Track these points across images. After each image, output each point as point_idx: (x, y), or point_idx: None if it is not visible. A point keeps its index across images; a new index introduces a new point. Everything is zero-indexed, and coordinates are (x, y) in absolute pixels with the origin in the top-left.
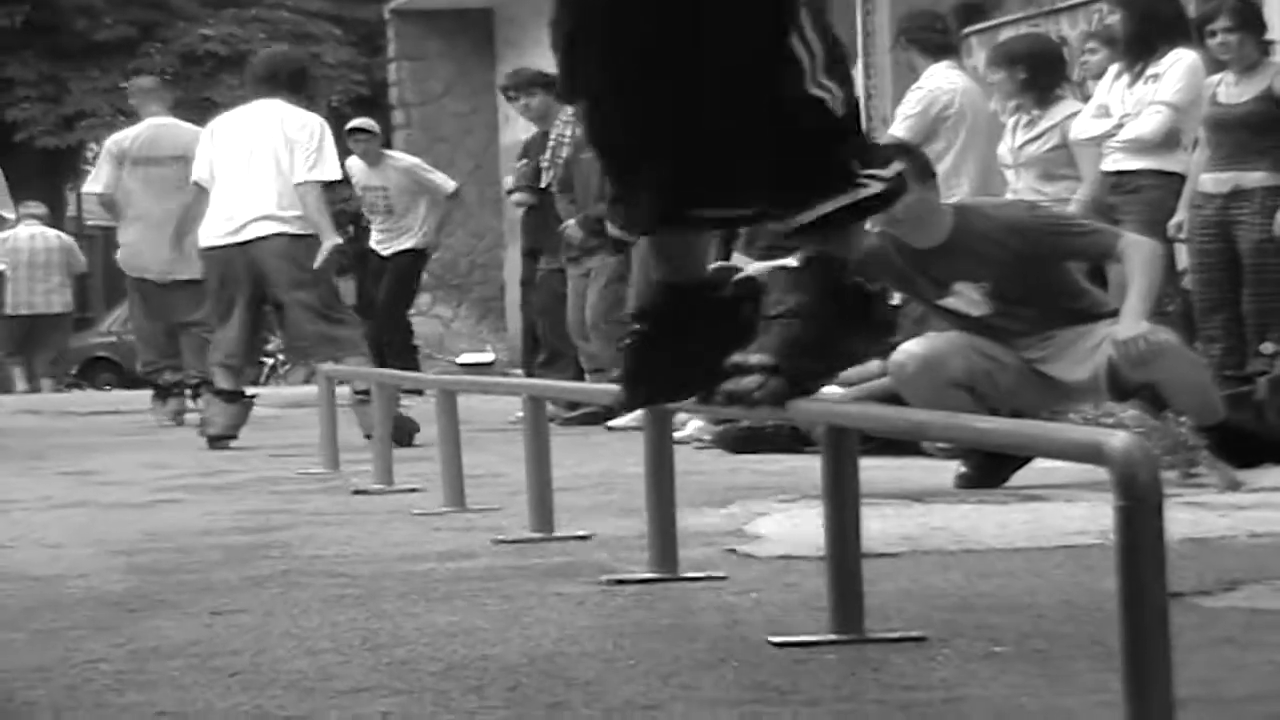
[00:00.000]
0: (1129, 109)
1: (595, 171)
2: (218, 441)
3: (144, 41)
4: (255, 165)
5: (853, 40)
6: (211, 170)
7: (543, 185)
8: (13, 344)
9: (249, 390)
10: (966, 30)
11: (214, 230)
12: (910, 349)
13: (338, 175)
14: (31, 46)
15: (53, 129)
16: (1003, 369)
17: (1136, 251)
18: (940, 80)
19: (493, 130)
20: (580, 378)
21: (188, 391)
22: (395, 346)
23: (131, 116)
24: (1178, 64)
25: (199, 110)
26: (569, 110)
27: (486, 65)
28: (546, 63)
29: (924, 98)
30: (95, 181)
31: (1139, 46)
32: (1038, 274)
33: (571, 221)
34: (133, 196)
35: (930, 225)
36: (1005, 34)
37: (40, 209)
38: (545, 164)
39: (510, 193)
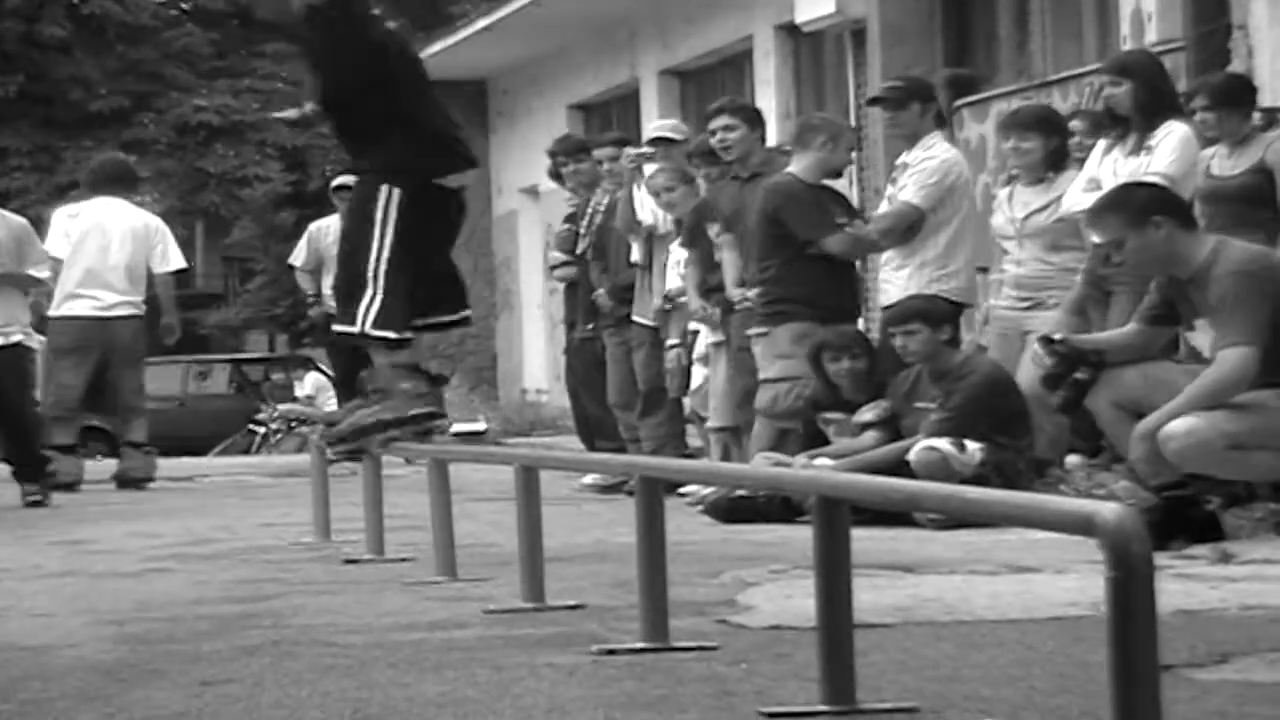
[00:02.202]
0: (1123, 180)
1: (624, 241)
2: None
3: (137, 112)
4: (114, 254)
5: (845, 111)
6: (73, 251)
7: (578, 252)
8: None
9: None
10: (958, 103)
11: (79, 304)
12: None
13: (184, 265)
14: (26, 117)
15: (46, 199)
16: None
17: (1222, 361)
18: (945, 151)
19: (485, 201)
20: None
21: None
22: None
23: None
24: (1170, 136)
25: (193, 179)
26: (608, 180)
27: (480, 136)
28: (537, 133)
29: (940, 166)
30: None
31: (1146, 117)
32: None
33: (601, 290)
34: None
35: (1179, 262)
36: (997, 106)
37: None
38: (582, 231)
39: (554, 268)
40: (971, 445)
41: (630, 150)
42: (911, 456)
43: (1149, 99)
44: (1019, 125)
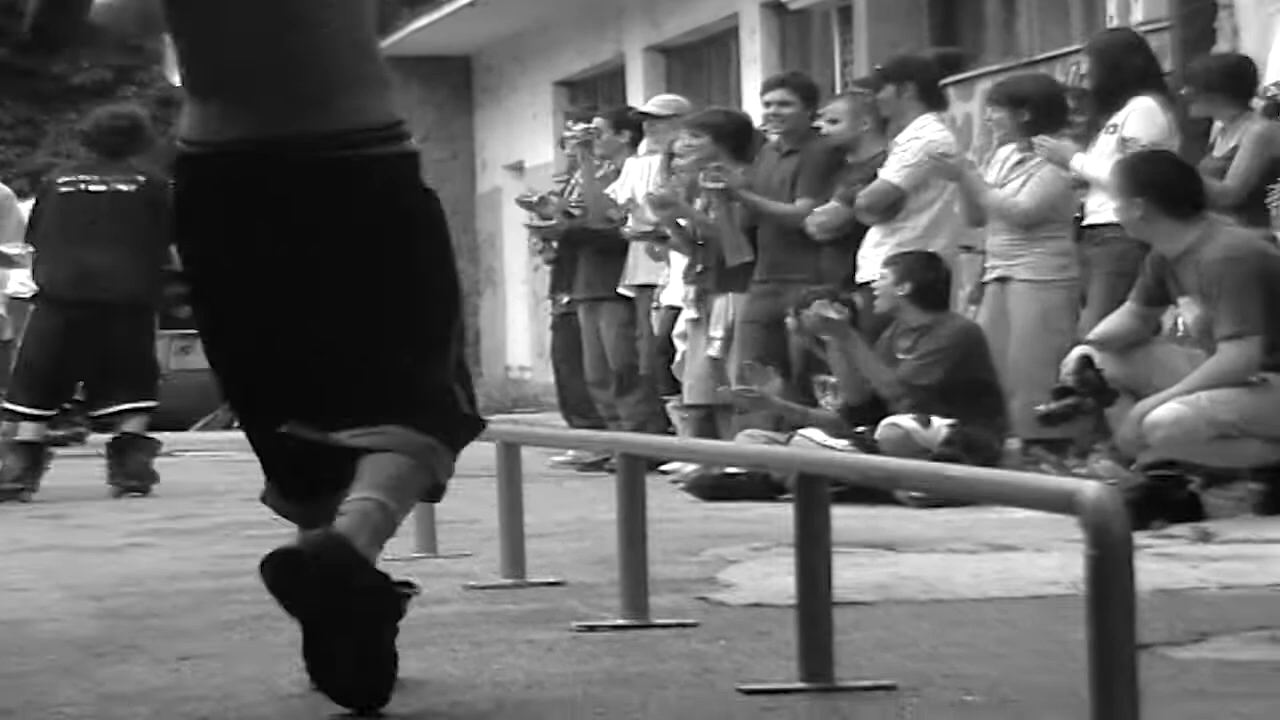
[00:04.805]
0: (1089, 163)
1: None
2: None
3: (120, 85)
4: None
5: (831, 90)
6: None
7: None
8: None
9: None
10: (944, 81)
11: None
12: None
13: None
14: (8, 90)
15: (29, 171)
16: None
17: (1224, 352)
18: (932, 132)
19: (471, 176)
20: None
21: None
22: None
23: None
24: (1134, 113)
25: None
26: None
27: (464, 112)
28: (522, 109)
29: (923, 147)
30: None
31: (1105, 99)
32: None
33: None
34: None
35: (1160, 242)
36: (982, 85)
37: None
38: (573, 200)
39: (539, 252)
40: (937, 421)
41: (574, 126)
42: (877, 434)
43: (1106, 79)
44: (993, 96)
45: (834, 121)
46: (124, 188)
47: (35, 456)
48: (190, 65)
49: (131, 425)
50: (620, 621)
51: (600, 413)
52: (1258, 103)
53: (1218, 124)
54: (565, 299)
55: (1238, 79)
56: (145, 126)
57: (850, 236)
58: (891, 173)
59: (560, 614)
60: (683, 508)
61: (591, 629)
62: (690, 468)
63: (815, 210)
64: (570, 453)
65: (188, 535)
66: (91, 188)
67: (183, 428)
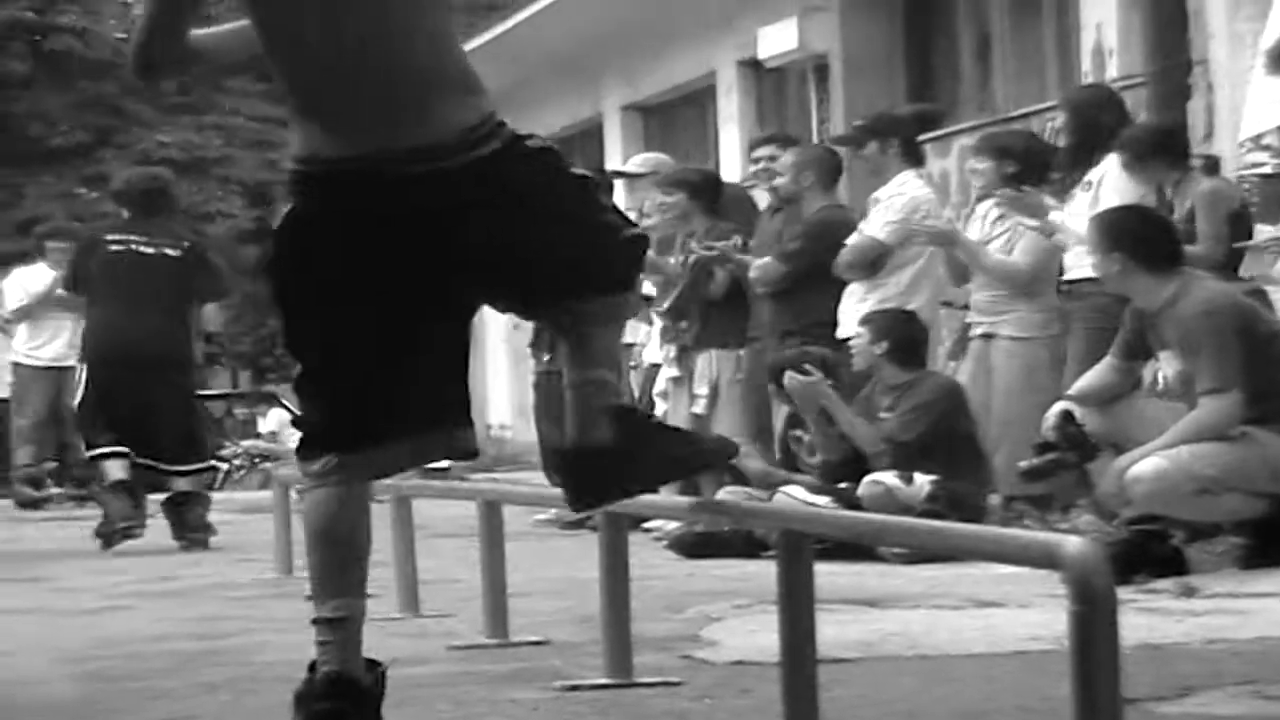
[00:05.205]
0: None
1: None
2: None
3: (99, 148)
4: None
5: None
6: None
7: None
8: None
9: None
10: (920, 138)
11: None
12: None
13: None
14: None
15: (6, 234)
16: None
17: (1204, 406)
18: (916, 189)
19: None
20: None
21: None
22: None
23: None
24: (1112, 171)
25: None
26: None
27: None
28: None
29: (908, 203)
30: None
31: (1080, 155)
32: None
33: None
34: None
35: (1138, 297)
36: (960, 141)
37: None
38: None
39: None
40: (920, 478)
41: None
42: (860, 490)
43: (1082, 135)
44: (979, 148)
45: (778, 175)
46: (171, 252)
47: (134, 493)
48: (289, 84)
49: (184, 484)
50: (604, 680)
51: None
52: (1196, 162)
53: (1167, 189)
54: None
55: (1170, 142)
56: (173, 187)
57: (790, 292)
58: (876, 228)
59: (544, 673)
60: (666, 565)
61: (575, 688)
62: (673, 525)
63: (754, 264)
64: (553, 511)
65: (168, 597)
66: (143, 249)
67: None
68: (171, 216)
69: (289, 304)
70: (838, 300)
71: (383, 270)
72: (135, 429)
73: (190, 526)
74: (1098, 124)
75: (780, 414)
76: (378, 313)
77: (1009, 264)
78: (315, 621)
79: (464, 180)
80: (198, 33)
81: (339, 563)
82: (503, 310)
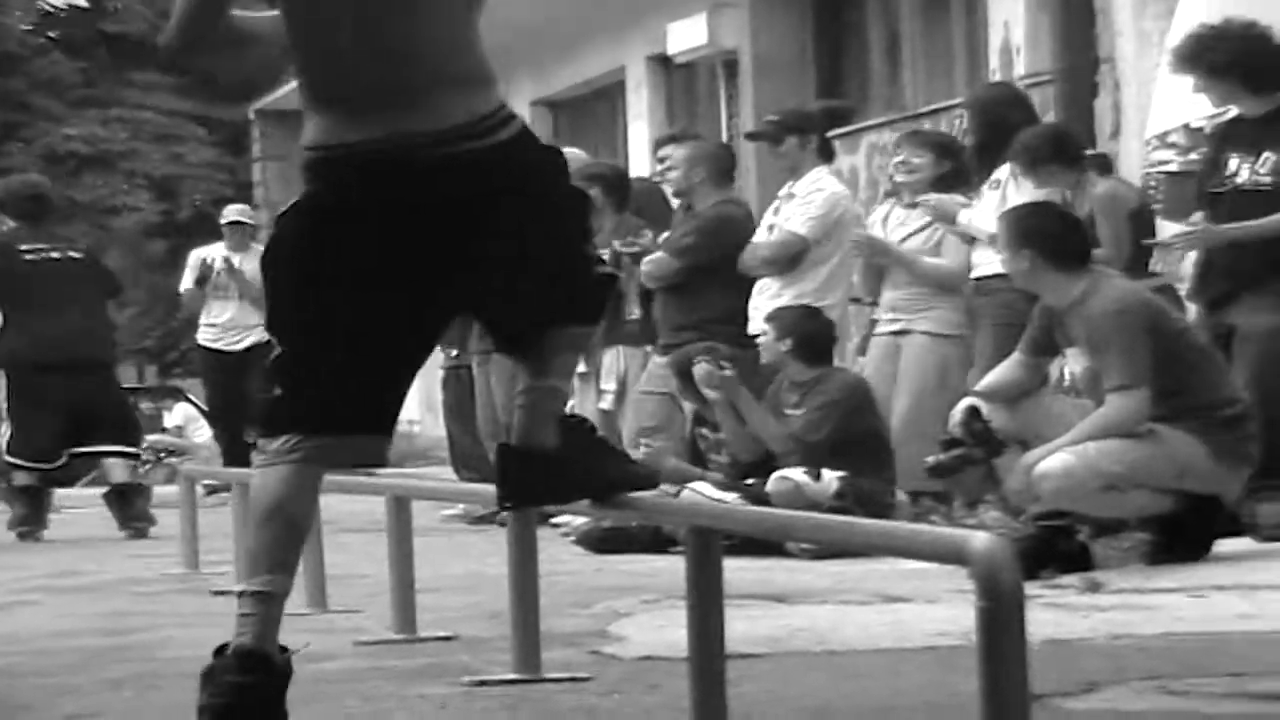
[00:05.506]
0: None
1: None
2: None
3: (5, 141)
4: None
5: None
6: None
7: None
8: None
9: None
10: (830, 134)
11: None
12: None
13: None
14: None
15: None
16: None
17: (1111, 403)
18: (833, 185)
19: None
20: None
21: None
22: None
23: None
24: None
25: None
26: None
27: None
28: None
29: (828, 199)
30: None
31: (983, 156)
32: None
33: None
34: None
35: (1047, 294)
36: (869, 138)
37: None
38: None
39: None
40: (828, 474)
41: None
42: (768, 487)
43: (987, 135)
44: (917, 141)
45: (670, 169)
46: (75, 254)
47: (37, 497)
48: (312, 69)
49: (119, 475)
50: (512, 676)
51: (491, 466)
52: (1090, 164)
53: (1066, 193)
54: (454, 353)
55: (1063, 146)
56: (50, 194)
57: (683, 287)
58: (798, 224)
59: (452, 669)
60: (574, 560)
61: (484, 684)
62: (580, 520)
63: (645, 260)
64: (461, 506)
65: (74, 592)
66: (52, 255)
67: (69, 483)
68: (52, 221)
69: (287, 285)
70: (732, 296)
71: (398, 262)
72: (75, 426)
73: (135, 516)
74: (1004, 123)
75: (684, 409)
76: (381, 306)
77: (944, 269)
78: (241, 594)
79: (494, 166)
80: (237, 14)
81: (279, 540)
82: (483, 326)
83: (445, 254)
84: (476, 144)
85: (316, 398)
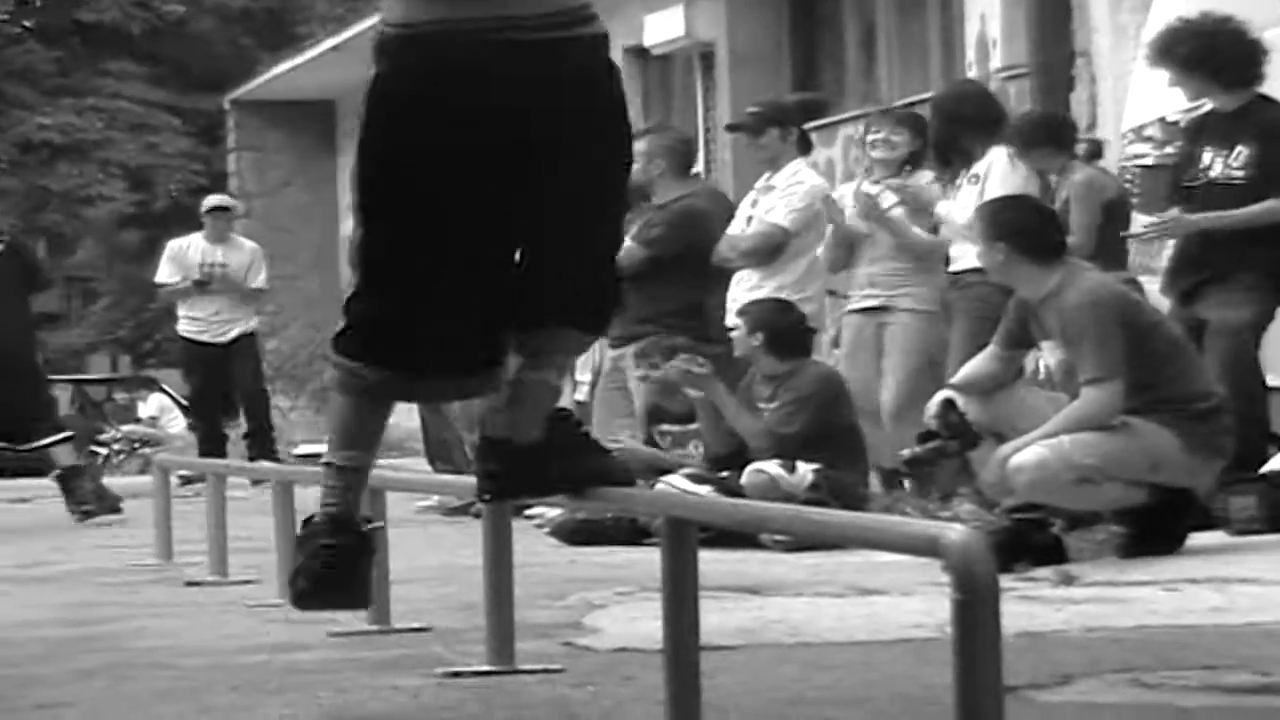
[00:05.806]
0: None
1: None
2: None
3: None
4: None
5: (695, 134)
6: None
7: None
8: None
9: None
10: (806, 126)
11: None
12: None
13: None
14: None
15: None
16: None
17: (1085, 396)
18: (813, 178)
19: (333, 221)
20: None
21: None
22: (267, 430)
23: None
24: (996, 163)
25: (35, 198)
26: None
27: (327, 156)
28: None
29: (809, 192)
30: None
31: (946, 150)
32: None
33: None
34: None
35: (1021, 287)
36: (844, 131)
37: None
38: None
39: None
40: (803, 467)
41: None
42: (743, 479)
43: (945, 133)
44: (893, 119)
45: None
46: None
47: None
48: None
49: (64, 458)
50: (486, 667)
51: (466, 457)
52: (1081, 147)
53: (1052, 177)
54: None
55: (1056, 131)
56: None
57: (647, 278)
58: (779, 216)
59: (426, 660)
60: (548, 552)
61: (457, 675)
62: (555, 512)
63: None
64: (435, 498)
65: (40, 582)
66: None
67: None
68: None
69: (385, 190)
70: (693, 291)
71: (472, 164)
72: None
73: (79, 499)
74: (959, 118)
75: (642, 399)
76: (467, 214)
77: (931, 240)
78: (326, 464)
79: (568, 81)
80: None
81: (363, 422)
82: None
83: (512, 169)
84: (574, 30)
85: (395, 336)
